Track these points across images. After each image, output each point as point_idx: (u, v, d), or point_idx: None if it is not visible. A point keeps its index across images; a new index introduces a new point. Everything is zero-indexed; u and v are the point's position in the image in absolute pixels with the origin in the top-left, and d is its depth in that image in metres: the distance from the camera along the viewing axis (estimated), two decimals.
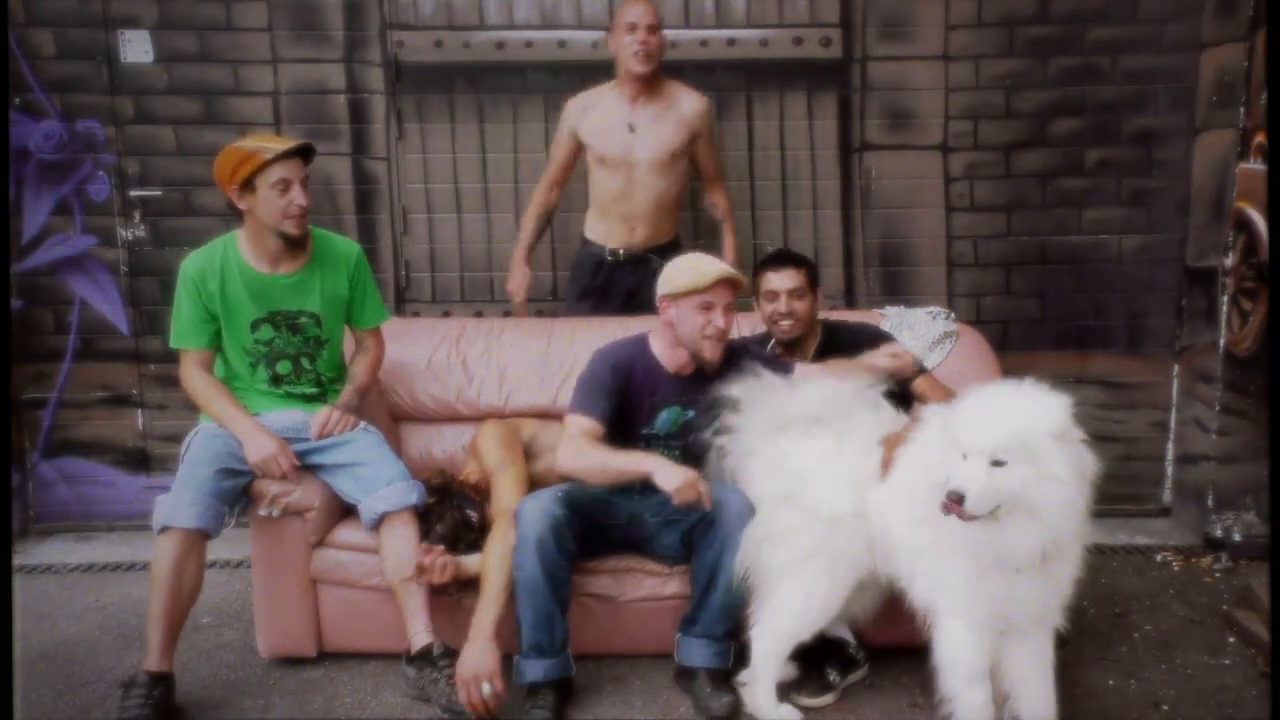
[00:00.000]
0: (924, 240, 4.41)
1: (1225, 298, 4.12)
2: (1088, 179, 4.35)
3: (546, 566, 2.82)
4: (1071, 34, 4.27)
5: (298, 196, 3.03)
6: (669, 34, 4.22)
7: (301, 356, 3.20)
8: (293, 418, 3.17)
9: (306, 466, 3.16)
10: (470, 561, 3.04)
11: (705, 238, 4.24)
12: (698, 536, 2.92)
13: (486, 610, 2.88)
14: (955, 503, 2.37)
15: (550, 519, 2.84)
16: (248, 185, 3.01)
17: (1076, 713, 2.83)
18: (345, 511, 3.21)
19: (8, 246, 4.22)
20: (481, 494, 3.20)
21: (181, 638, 2.98)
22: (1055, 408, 2.42)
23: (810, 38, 4.31)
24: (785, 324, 3.23)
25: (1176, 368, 4.42)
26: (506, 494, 3.07)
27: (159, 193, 4.36)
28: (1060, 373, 4.37)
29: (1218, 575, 3.86)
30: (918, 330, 3.59)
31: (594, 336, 3.67)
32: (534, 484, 3.15)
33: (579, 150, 3.94)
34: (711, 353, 3.00)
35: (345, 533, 3.18)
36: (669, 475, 2.83)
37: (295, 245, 3.12)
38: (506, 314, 4.25)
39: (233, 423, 3.06)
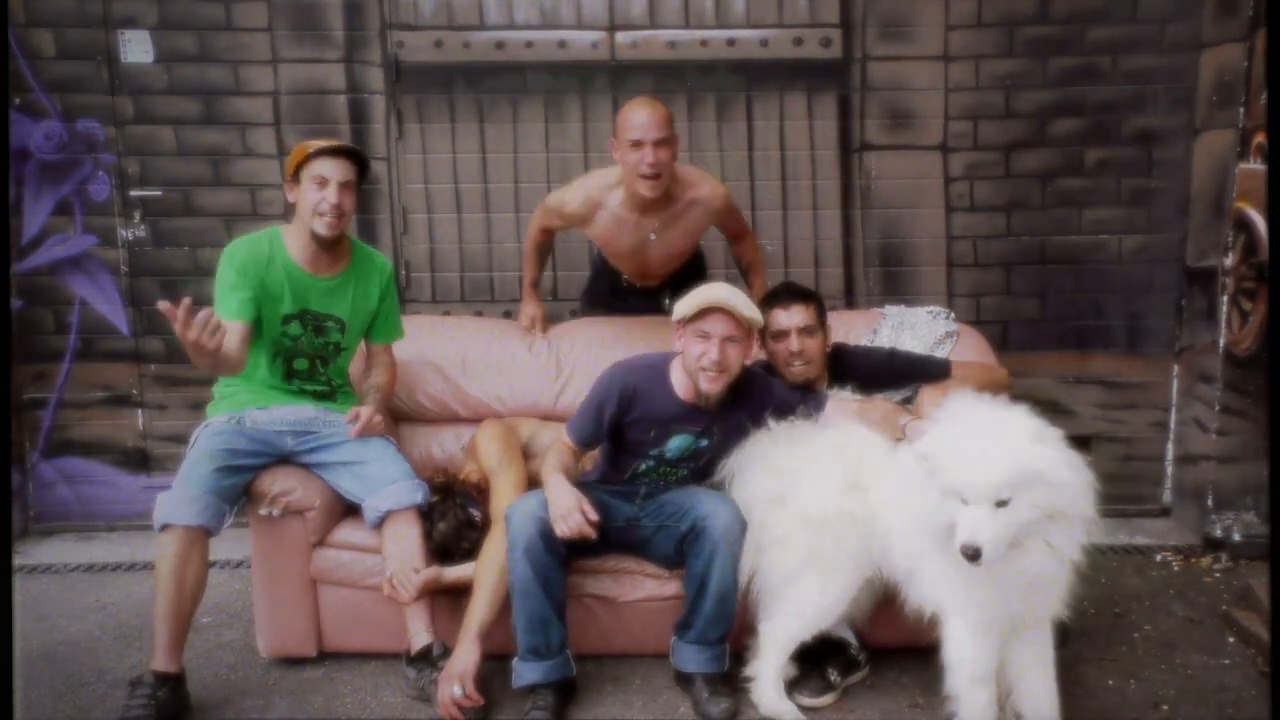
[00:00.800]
0: (924, 240, 4.41)
1: (1225, 298, 4.12)
2: (1088, 179, 4.35)
3: (537, 569, 2.81)
4: (1071, 34, 4.27)
5: (330, 195, 3.04)
6: (669, 34, 4.24)
7: (318, 359, 3.22)
8: (302, 412, 3.18)
9: (310, 464, 3.17)
10: (457, 571, 3.04)
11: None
12: (687, 546, 2.92)
13: (474, 613, 2.89)
14: (970, 559, 2.33)
15: (538, 522, 2.82)
16: (296, 176, 3.09)
17: (1076, 713, 2.82)
18: (345, 511, 3.21)
19: (8, 246, 4.22)
20: (484, 493, 3.20)
21: None
22: (1025, 420, 2.41)
23: (810, 38, 4.31)
24: (797, 366, 3.07)
25: (1176, 368, 4.42)
26: (505, 494, 3.07)
27: (159, 193, 4.36)
28: (1060, 373, 4.39)
29: (1218, 575, 3.87)
30: (919, 330, 3.59)
31: (593, 337, 3.69)
32: (532, 484, 3.14)
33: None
34: (709, 385, 2.87)
35: (345, 533, 3.18)
36: (552, 503, 2.82)
37: (327, 247, 3.13)
38: (506, 314, 4.26)
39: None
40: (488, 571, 2.93)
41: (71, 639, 3.44)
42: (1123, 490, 4.36)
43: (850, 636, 3.05)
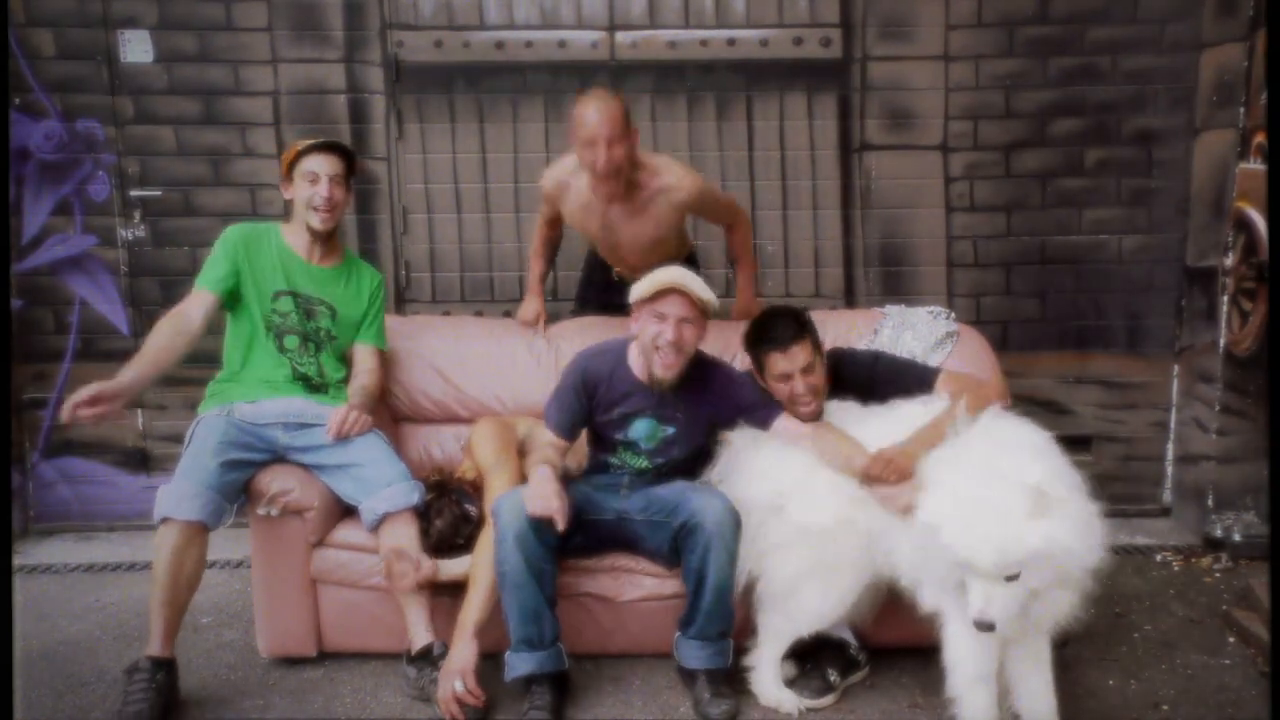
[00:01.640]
0: (924, 240, 4.41)
1: (1225, 298, 4.12)
2: (1088, 179, 4.35)
3: (529, 560, 2.80)
4: (1071, 34, 4.27)
5: (323, 189, 3.20)
6: (669, 34, 4.24)
7: (310, 340, 3.26)
8: (291, 405, 3.17)
9: (306, 466, 3.16)
10: (453, 565, 3.04)
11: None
12: (681, 541, 2.92)
13: (470, 609, 2.90)
14: (985, 630, 2.38)
15: (528, 514, 2.81)
16: (289, 174, 3.25)
17: (1076, 713, 2.83)
18: (345, 511, 3.21)
19: (8, 246, 4.22)
20: (480, 491, 3.20)
21: (182, 638, 2.99)
22: (1042, 486, 2.36)
23: (810, 38, 4.31)
24: (804, 405, 2.95)
25: (1176, 368, 4.42)
26: (500, 492, 3.07)
27: (159, 193, 4.36)
28: (1060, 373, 4.39)
29: (1218, 575, 3.87)
30: (919, 330, 3.58)
31: (593, 336, 3.67)
32: (526, 481, 3.15)
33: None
34: (662, 367, 2.90)
35: (345, 533, 3.18)
36: (530, 485, 2.87)
37: (321, 241, 3.28)
38: (506, 314, 4.25)
39: (126, 367, 2.98)
40: (482, 568, 2.93)
41: (71, 639, 3.44)
42: (1123, 490, 4.36)
43: (849, 636, 3.04)
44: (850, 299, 4.42)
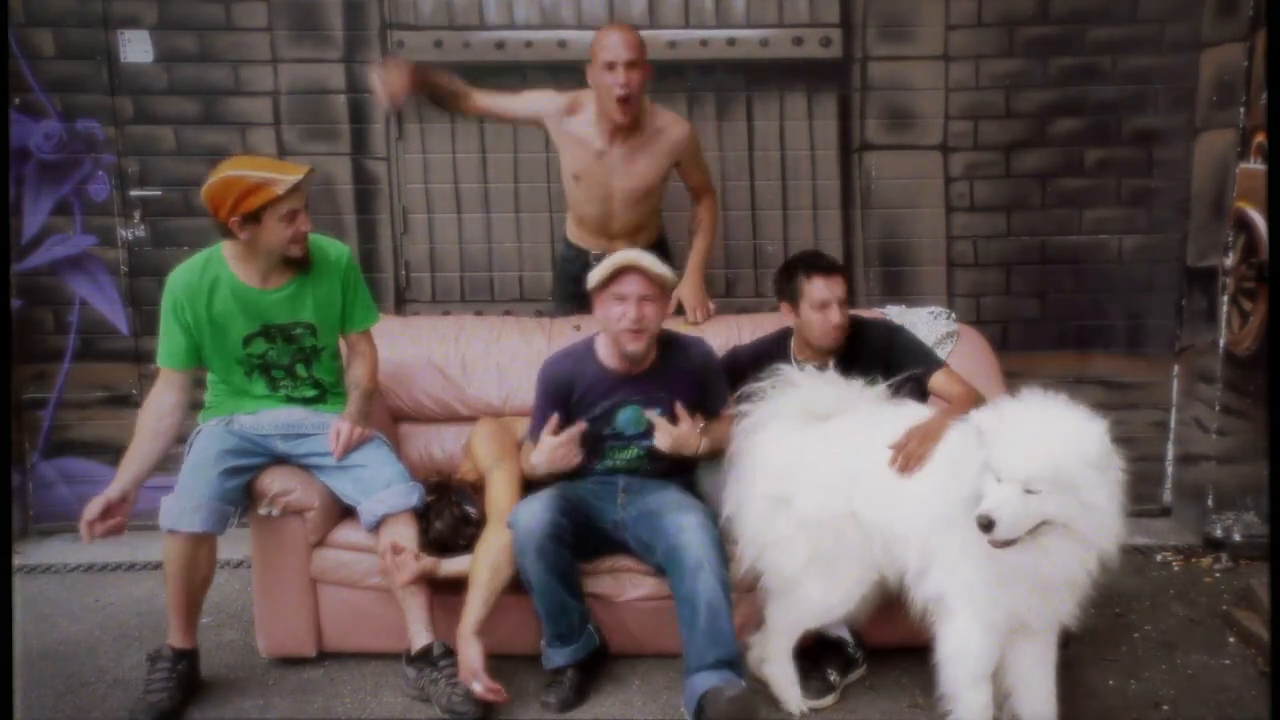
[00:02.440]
0: (924, 240, 4.41)
1: (1225, 298, 4.12)
2: (1088, 179, 4.35)
3: (552, 566, 2.89)
4: (1071, 34, 4.26)
5: (303, 224, 2.97)
6: (668, 34, 4.24)
7: (296, 364, 3.18)
8: (292, 415, 3.17)
9: (306, 467, 3.17)
10: (453, 564, 3.05)
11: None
12: (667, 567, 2.93)
13: (470, 610, 2.91)
14: (983, 528, 2.35)
15: (546, 525, 2.88)
16: (252, 217, 2.88)
17: (1076, 713, 2.83)
18: (345, 511, 3.21)
19: (8, 246, 4.22)
20: (479, 491, 3.20)
21: None
22: (1094, 437, 2.39)
23: (810, 38, 4.30)
24: (836, 335, 3.10)
25: (1176, 368, 4.42)
26: (500, 493, 3.09)
27: (159, 193, 4.36)
28: (1060, 373, 4.38)
29: (1218, 575, 3.86)
30: (919, 330, 3.58)
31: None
32: (527, 481, 3.16)
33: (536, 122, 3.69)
34: (632, 344, 2.95)
35: (345, 533, 3.18)
36: (540, 452, 3.05)
37: (279, 260, 3.03)
38: (506, 314, 4.25)
39: (122, 467, 2.99)
40: (482, 570, 2.94)
41: (71, 639, 3.44)
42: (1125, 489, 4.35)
43: (847, 635, 3.05)
44: (851, 299, 4.39)
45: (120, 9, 4.24)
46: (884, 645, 3.07)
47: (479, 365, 3.72)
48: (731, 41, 4.31)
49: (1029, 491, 2.34)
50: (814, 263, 3.17)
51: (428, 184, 4.40)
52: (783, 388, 2.97)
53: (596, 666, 3.08)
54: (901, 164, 4.36)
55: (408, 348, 3.70)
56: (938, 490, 2.61)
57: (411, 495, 3.09)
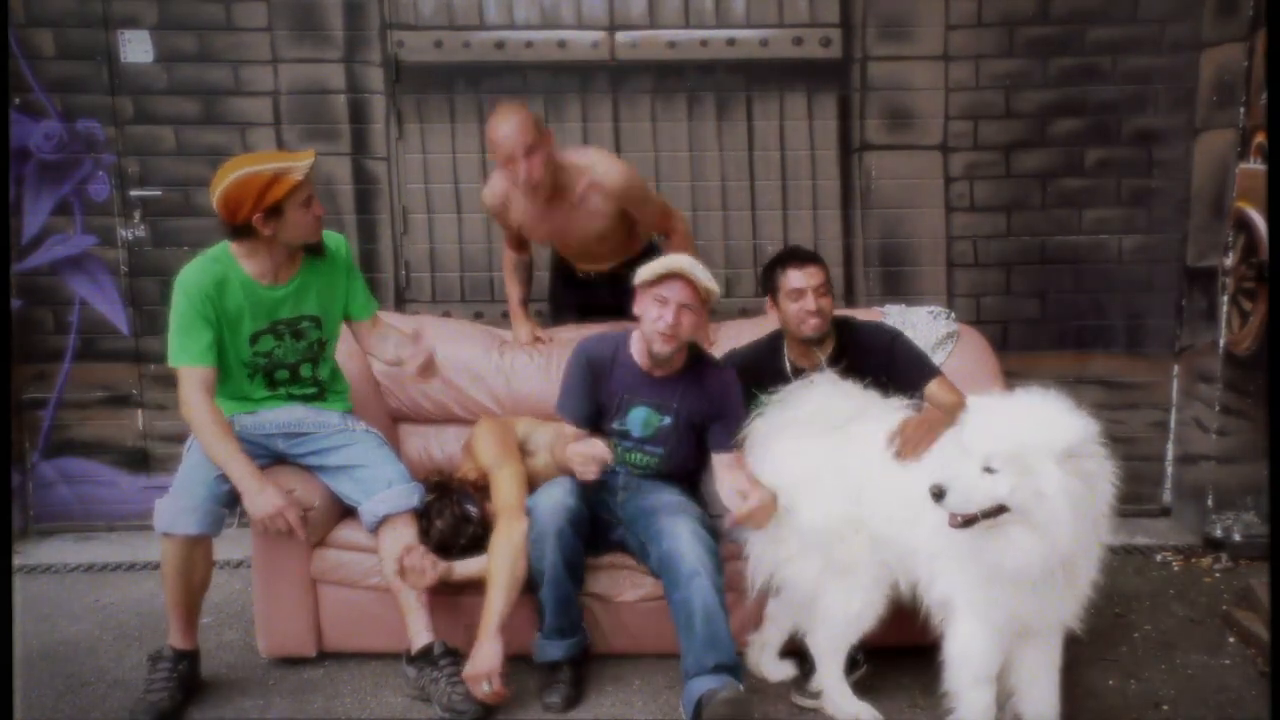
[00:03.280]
0: (924, 240, 4.41)
1: (1225, 298, 4.12)
2: (1088, 179, 4.35)
3: (566, 555, 2.93)
4: (1071, 34, 4.26)
5: (316, 207, 2.97)
6: (668, 34, 4.24)
7: (302, 364, 3.15)
8: (292, 414, 3.16)
9: (306, 467, 3.16)
10: (466, 565, 3.04)
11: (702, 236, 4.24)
12: (661, 573, 2.94)
13: (492, 608, 2.91)
14: (934, 496, 2.39)
15: (566, 511, 2.93)
16: (275, 210, 2.85)
17: (1076, 713, 2.83)
18: (345, 511, 3.21)
19: (8, 246, 4.22)
20: (481, 491, 3.20)
21: None
22: (1068, 431, 2.39)
23: (810, 38, 4.31)
24: (814, 322, 3.10)
25: (1176, 368, 4.42)
26: (507, 491, 3.08)
27: (159, 193, 4.36)
28: (1060, 373, 4.38)
29: (1218, 575, 3.87)
30: (919, 331, 3.58)
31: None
32: (531, 480, 3.16)
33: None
34: (662, 346, 2.95)
35: (345, 533, 3.19)
36: (577, 449, 2.96)
37: (288, 254, 3.01)
38: (506, 314, 4.25)
39: (236, 469, 2.88)
40: (500, 568, 2.94)
41: (71, 639, 3.44)
42: (1122, 490, 4.33)
43: None
44: (850, 299, 4.42)
45: (120, 9, 4.24)
46: (884, 646, 3.06)
47: (478, 367, 3.72)
48: (731, 42, 4.31)
49: (988, 470, 2.37)
50: (788, 255, 3.23)
51: (428, 184, 4.40)
52: (792, 398, 2.98)
53: (586, 665, 3.09)
54: (901, 164, 4.36)
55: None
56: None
57: (412, 496, 3.09)
